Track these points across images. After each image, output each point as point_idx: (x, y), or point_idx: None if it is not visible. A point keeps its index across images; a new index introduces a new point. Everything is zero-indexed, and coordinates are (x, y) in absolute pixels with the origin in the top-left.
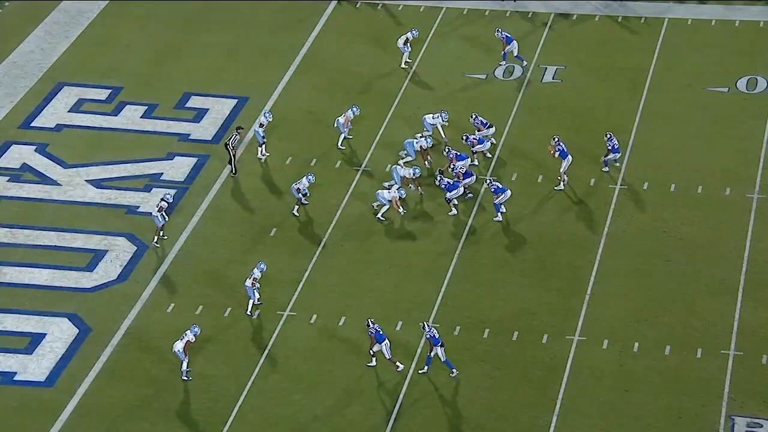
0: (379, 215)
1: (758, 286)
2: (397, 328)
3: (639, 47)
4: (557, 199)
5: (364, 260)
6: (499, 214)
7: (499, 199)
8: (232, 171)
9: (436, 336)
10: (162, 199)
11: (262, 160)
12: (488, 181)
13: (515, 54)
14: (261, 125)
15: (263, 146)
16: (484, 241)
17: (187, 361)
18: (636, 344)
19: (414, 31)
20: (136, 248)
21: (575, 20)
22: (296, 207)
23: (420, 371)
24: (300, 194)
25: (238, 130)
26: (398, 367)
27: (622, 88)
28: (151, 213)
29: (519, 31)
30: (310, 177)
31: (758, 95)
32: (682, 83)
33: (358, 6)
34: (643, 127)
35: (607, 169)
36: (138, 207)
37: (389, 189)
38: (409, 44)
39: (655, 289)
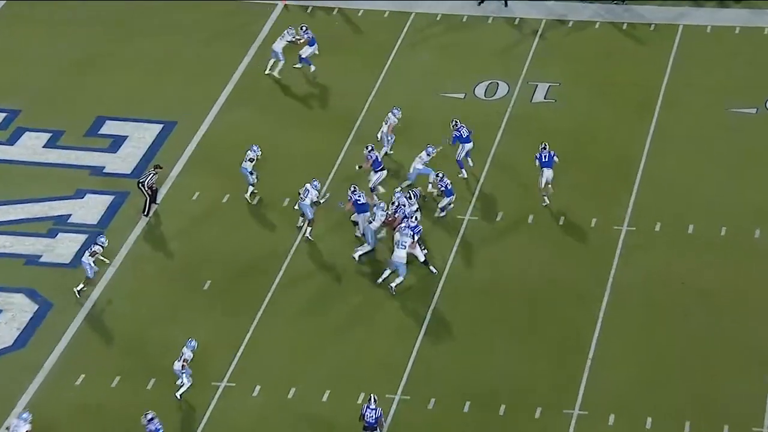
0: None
1: None
2: (359, 401)
3: (648, 60)
4: (552, 243)
5: (318, 317)
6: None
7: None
8: (144, 211)
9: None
10: (95, 243)
11: (254, 203)
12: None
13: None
14: (250, 160)
15: (253, 186)
16: (464, 292)
17: (189, 384)
18: (648, 419)
19: (290, 30)
20: (37, 307)
21: (571, 27)
22: (307, 229)
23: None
24: (313, 209)
25: (156, 170)
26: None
27: (628, 109)
28: (82, 261)
29: (503, 41)
30: (315, 183)
31: None
32: (701, 103)
33: (309, 11)
34: (655, 155)
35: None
36: (40, 256)
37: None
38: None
39: (670, 352)
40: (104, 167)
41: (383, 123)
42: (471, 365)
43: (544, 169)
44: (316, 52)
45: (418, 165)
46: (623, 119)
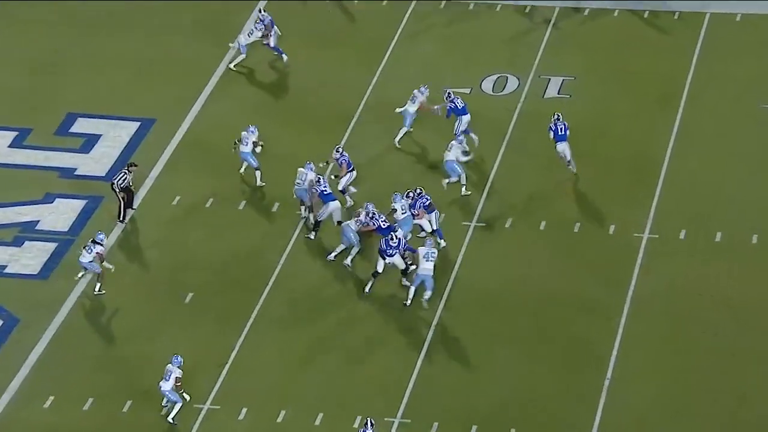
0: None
1: None
2: (355, 425)
3: (672, 50)
4: (566, 252)
5: (311, 332)
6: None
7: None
8: (119, 217)
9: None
10: (96, 243)
11: (263, 185)
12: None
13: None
14: (253, 143)
15: (258, 171)
16: (469, 305)
17: (180, 404)
18: None
19: (258, 25)
20: (1, 322)
21: (587, 16)
22: (309, 216)
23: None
24: (310, 200)
25: (130, 168)
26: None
27: (650, 104)
28: (81, 261)
29: (513, 30)
30: (310, 166)
31: None
32: (730, 97)
33: None
34: (679, 155)
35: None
36: (5, 267)
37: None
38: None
39: (696, 371)
40: (76, 169)
41: (408, 101)
42: (477, 385)
43: (558, 143)
44: (279, 33)
45: (461, 158)
46: (644, 116)
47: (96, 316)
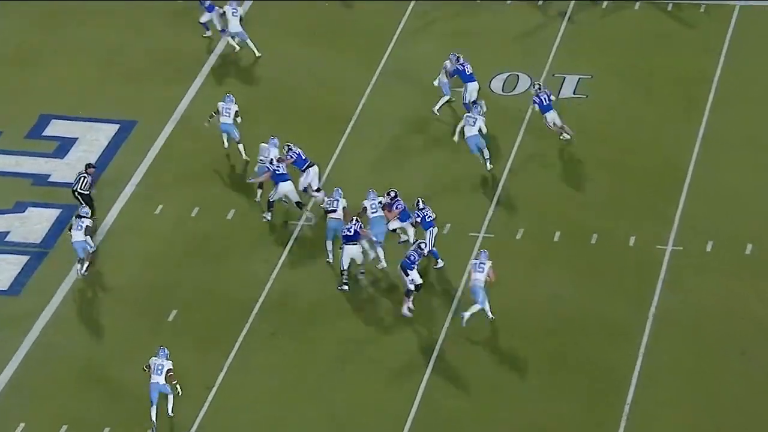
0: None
1: None
2: None
3: (698, 47)
4: (582, 265)
5: (305, 353)
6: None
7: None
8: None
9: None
10: (81, 217)
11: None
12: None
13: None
14: (226, 114)
15: (241, 144)
16: (477, 324)
17: (173, 397)
18: None
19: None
20: None
21: (606, 9)
22: (258, 192)
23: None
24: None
25: (88, 170)
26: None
27: (673, 106)
28: (76, 241)
29: (525, 25)
30: (274, 141)
31: None
32: (760, 98)
33: None
34: (705, 162)
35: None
36: None
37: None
38: (236, 27)
39: (724, 396)
40: (49, 175)
41: (441, 71)
42: (486, 411)
43: (546, 114)
44: (212, 19)
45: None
46: (667, 118)
47: (72, 335)
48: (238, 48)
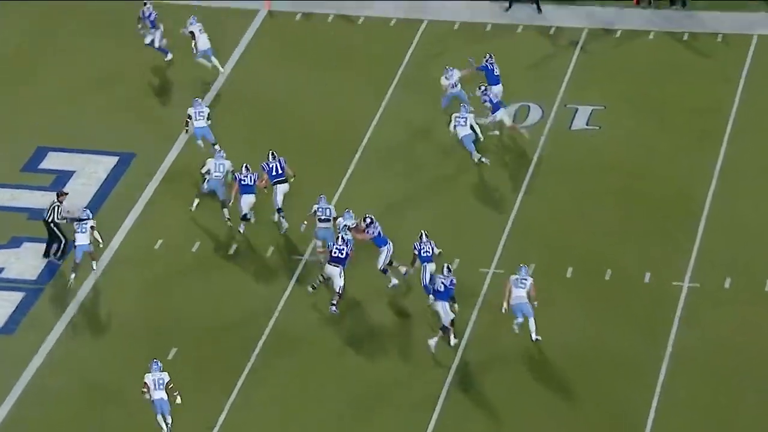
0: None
1: None
2: None
3: (714, 77)
4: (596, 302)
5: (312, 391)
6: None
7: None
8: (55, 252)
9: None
10: (86, 220)
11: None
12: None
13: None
14: (200, 117)
15: (216, 146)
16: (489, 361)
17: (170, 409)
18: None
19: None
20: None
21: (619, 38)
22: (224, 211)
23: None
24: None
25: (60, 199)
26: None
27: (689, 138)
28: (80, 245)
29: (536, 55)
30: (221, 153)
31: None
32: None
33: (298, 18)
34: (723, 194)
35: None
36: None
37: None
38: (204, 44)
39: (742, 431)
40: (46, 209)
41: (449, 85)
42: None
43: (496, 113)
44: (155, 44)
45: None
46: (683, 150)
47: (68, 376)
48: (218, 66)
